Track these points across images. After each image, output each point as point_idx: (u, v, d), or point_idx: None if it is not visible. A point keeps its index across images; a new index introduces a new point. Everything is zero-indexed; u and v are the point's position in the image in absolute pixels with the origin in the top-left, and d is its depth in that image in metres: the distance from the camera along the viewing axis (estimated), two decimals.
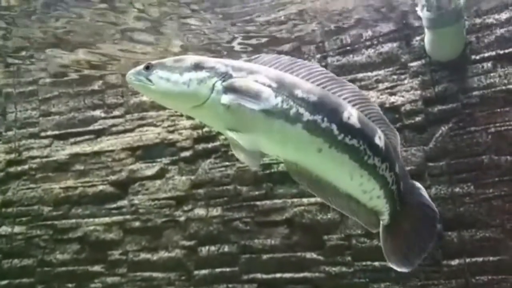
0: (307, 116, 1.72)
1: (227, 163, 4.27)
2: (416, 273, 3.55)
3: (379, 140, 1.86)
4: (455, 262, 3.50)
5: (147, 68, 1.78)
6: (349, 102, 1.84)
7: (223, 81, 1.72)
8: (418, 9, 3.54)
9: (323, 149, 1.74)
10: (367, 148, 1.81)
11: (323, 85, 1.82)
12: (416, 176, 3.59)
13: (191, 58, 1.80)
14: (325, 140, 1.74)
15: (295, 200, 3.99)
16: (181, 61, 1.78)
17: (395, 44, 3.96)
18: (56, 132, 4.81)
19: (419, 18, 3.63)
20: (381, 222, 2.01)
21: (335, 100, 1.80)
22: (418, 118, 3.76)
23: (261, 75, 1.74)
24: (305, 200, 3.96)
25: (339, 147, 1.76)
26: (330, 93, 1.81)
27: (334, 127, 1.75)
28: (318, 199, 3.90)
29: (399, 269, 1.98)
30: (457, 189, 3.57)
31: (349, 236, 3.79)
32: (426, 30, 3.63)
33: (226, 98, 1.69)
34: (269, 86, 1.72)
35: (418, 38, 3.87)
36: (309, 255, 3.88)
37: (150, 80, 1.76)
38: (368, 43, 4.07)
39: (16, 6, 3.42)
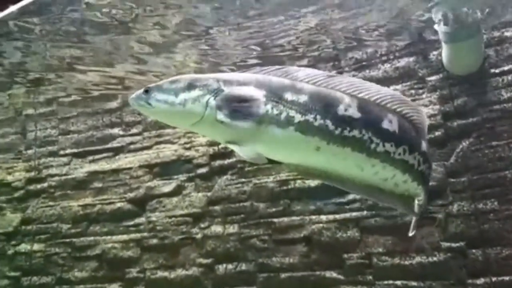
0: (298, 117, 1.74)
1: (243, 180, 4.26)
2: None
3: (390, 124, 1.83)
4: (480, 281, 3.38)
5: (146, 92, 1.85)
6: (353, 92, 1.82)
7: (216, 97, 1.78)
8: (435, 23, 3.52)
9: (321, 147, 1.76)
10: (372, 136, 1.79)
11: (320, 82, 1.83)
12: (438, 193, 3.53)
13: (184, 78, 1.87)
14: (321, 137, 1.75)
15: (313, 217, 3.94)
16: (176, 82, 1.85)
17: (411, 59, 3.94)
18: (75, 150, 4.89)
19: (436, 32, 3.60)
20: (416, 202, 2.04)
21: (329, 95, 1.80)
22: (437, 133, 3.69)
23: (250, 85, 1.78)
24: (323, 217, 3.91)
25: (338, 142, 1.76)
26: (324, 89, 1.81)
27: (328, 122, 1.75)
28: (337, 217, 3.88)
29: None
30: (480, 206, 3.48)
31: (370, 254, 3.71)
32: (443, 44, 3.59)
33: (219, 114, 1.75)
34: (258, 95, 1.76)
35: (435, 52, 3.84)
36: (328, 274, 3.80)
37: (149, 104, 1.84)
38: (384, 58, 4.05)
39: (34, 28, 3.51)
